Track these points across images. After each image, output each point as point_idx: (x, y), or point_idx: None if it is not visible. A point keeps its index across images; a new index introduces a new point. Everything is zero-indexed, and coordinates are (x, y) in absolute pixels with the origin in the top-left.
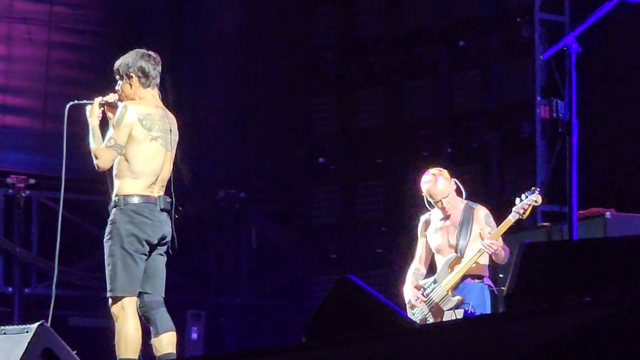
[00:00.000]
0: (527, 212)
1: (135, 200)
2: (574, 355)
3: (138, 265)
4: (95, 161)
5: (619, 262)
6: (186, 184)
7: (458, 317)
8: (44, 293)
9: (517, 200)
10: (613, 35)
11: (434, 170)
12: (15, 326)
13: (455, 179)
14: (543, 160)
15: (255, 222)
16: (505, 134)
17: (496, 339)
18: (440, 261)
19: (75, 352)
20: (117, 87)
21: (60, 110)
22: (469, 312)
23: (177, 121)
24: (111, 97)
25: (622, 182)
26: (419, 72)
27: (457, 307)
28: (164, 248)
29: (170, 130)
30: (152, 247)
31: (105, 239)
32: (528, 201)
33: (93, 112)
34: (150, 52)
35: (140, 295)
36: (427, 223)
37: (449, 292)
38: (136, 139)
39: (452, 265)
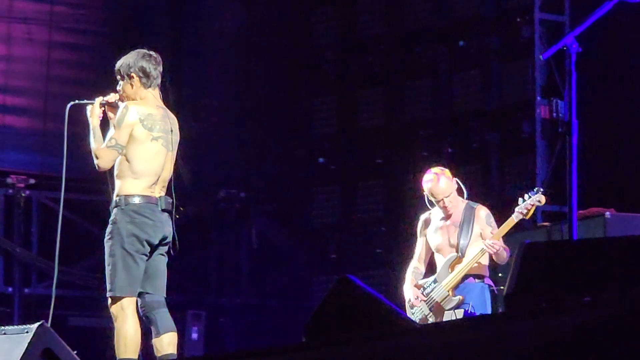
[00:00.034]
0: (531, 213)
1: (137, 200)
2: (574, 355)
3: (138, 266)
4: (95, 161)
5: (619, 262)
6: (186, 184)
7: (458, 317)
8: (44, 293)
9: (520, 200)
10: (613, 35)
11: (436, 170)
12: (15, 326)
13: (457, 179)
14: (543, 160)
15: (256, 222)
16: (505, 134)
17: (496, 339)
18: (440, 261)
19: (75, 352)
20: (118, 88)
21: (60, 110)
22: (468, 312)
23: (178, 121)
24: (112, 97)
25: (622, 182)
26: (419, 72)
27: (457, 306)
28: (165, 248)
29: (172, 131)
30: (153, 248)
31: (105, 239)
32: (531, 201)
33: (94, 112)
34: (152, 52)
35: (141, 295)
36: (427, 222)
37: (450, 292)
38: (137, 139)
39: (452, 265)
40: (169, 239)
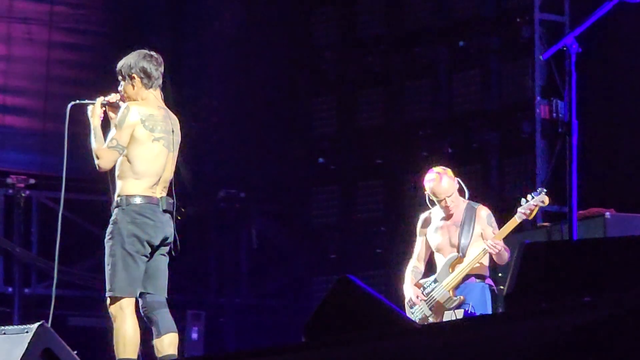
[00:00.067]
0: (534, 213)
1: (138, 200)
2: (574, 355)
3: (138, 266)
4: (96, 161)
5: (619, 262)
6: (186, 184)
7: (458, 317)
8: (44, 293)
9: (523, 200)
10: (613, 35)
11: (438, 169)
12: (15, 326)
13: (458, 179)
14: (543, 160)
15: (256, 222)
16: (505, 134)
17: (496, 339)
18: (440, 260)
19: (75, 352)
20: (119, 88)
21: (60, 110)
22: (468, 312)
23: (179, 121)
24: (113, 97)
25: (622, 182)
26: (419, 72)
27: (458, 306)
28: (166, 249)
29: (173, 131)
30: (154, 248)
31: (106, 239)
32: (535, 202)
33: (95, 112)
34: (153, 53)
35: (142, 295)
36: (427, 221)
37: (451, 292)
38: (138, 139)
39: (453, 265)
40: (170, 239)
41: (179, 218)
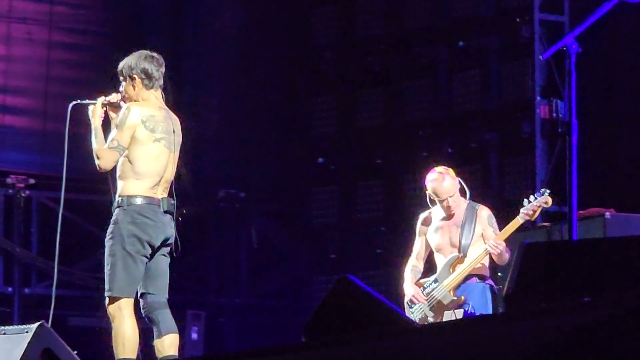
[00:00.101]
0: (536, 214)
1: (139, 201)
2: (574, 355)
3: (138, 267)
4: (97, 162)
5: (619, 262)
6: (186, 184)
7: (458, 317)
8: (44, 293)
9: (525, 201)
10: (613, 35)
11: (440, 169)
12: (15, 326)
13: (460, 179)
14: (543, 160)
15: (255, 222)
16: (505, 134)
17: (496, 339)
18: (440, 260)
19: (75, 352)
20: (120, 89)
21: (60, 110)
22: (468, 312)
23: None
24: (114, 97)
25: (622, 182)
26: (419, 72)
27: (458, 306)
28: (167, 249)
29: (174, 132)
30: (155, 249)
31: (106, 239)
32: (537, 203)
33: (96, 112)
34: (154, 54)
35: (143, 296)
36: (427, 221)
37: (451, 292)
38: (139, 140)
39: (454, 265)
40: (171, 240)
41: (179, 219)
